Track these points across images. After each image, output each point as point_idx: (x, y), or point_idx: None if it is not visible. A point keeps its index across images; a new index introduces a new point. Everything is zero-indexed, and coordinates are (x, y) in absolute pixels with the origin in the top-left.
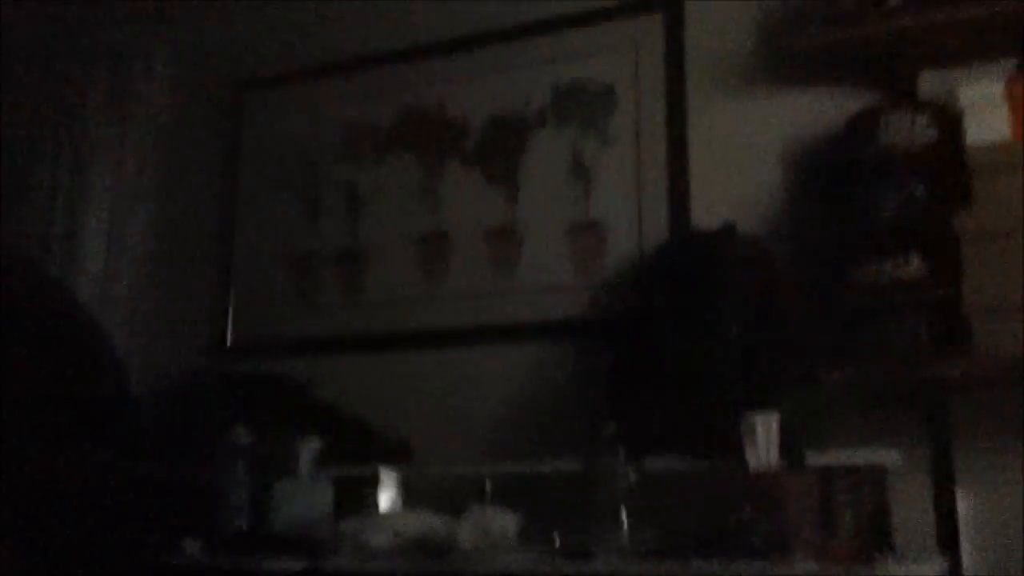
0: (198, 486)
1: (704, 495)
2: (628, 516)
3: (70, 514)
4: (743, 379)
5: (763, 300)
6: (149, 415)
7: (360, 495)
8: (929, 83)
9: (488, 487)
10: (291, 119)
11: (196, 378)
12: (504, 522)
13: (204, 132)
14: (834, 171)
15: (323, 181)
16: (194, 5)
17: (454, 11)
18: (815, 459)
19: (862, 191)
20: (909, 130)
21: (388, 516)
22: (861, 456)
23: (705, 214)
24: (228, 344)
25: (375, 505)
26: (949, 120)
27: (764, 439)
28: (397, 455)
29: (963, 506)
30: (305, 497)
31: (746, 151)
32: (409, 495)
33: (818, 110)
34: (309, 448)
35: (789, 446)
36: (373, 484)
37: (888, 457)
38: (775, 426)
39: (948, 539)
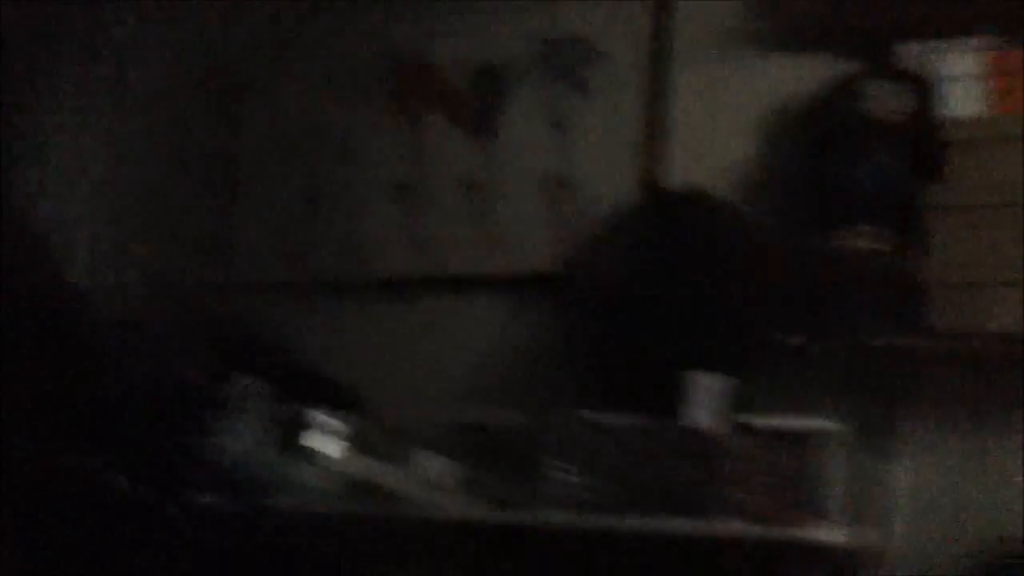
0: (141, 423)
1: (643, 452)
2: (568, 469)
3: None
4: (699, 340)
5: (728, 264)
6: (99, 352)
7: (305, 438)
8: (908, 54)
9: (434, 436)
10: (266, 56)
11: (144, 315)
12: (447, 470)
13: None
14: (811, 138)
15: (294, 119)
16: None
17: None
18: (761, 422)
19: (837, 159)
20: (887, 100)
21: (331, 459)
22: (803, 422)
23: (683, 174)
24: (184, 281)
25: (320, 448)
26: (926, 92)
27: (706, 400)
28: (347, 401)
29: (900, 478)
30: (248, 437)
31: (727, 113)
32: (356, 441)
33: (799, 76)
34: (255, 388)
35: (739, 408)
36: (318, 427)
37: (830, 424)
38: (718, 387)
39: (881, 509)
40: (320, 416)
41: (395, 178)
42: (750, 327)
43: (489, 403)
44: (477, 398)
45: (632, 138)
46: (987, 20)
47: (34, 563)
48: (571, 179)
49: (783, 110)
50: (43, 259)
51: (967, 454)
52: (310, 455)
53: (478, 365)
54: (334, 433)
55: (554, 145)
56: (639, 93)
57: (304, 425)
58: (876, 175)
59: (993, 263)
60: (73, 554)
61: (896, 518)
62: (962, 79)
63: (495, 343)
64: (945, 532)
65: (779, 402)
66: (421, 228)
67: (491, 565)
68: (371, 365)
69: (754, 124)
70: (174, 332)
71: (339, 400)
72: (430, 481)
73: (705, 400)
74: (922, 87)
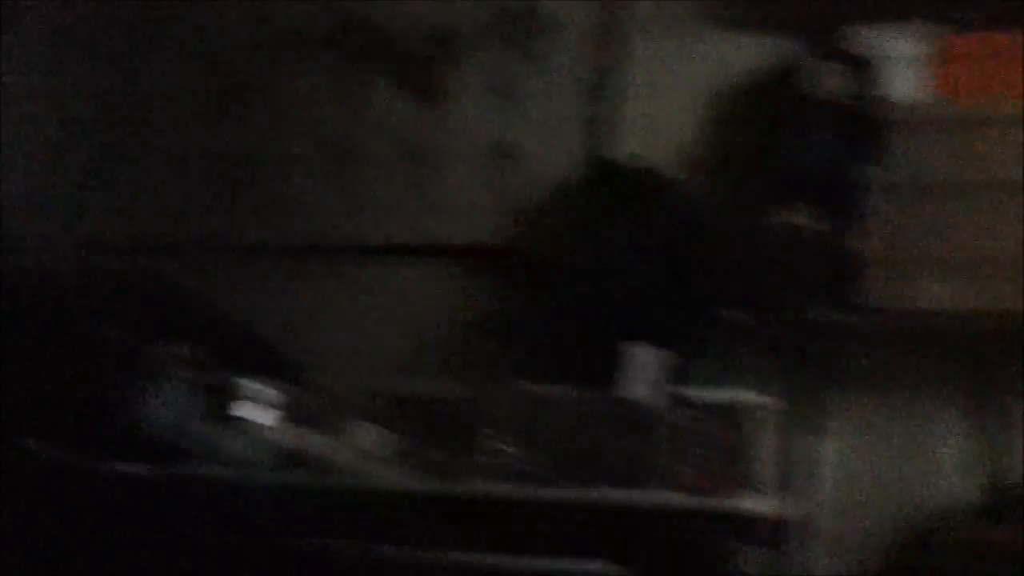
0: (65, 385)
1: (580, 424)
2: (505, 441)
3: None
4: (638, 313)
5: (669, 238)
6: (20, 309)
7: (236, 405)
8: (854, 36)
9: (371, 406)
10: (202, 10)
11: (70, 274)
12: (383, 441)
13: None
14: (755, 116)
15: (229, 75)
16: None
17: None
18: (696, 395)
19: (780, 138)
20: (831, 81)
21: (261, 428)
22: (737, 395)
23: (630, 147)
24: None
25: (250, 417)
26: (870, 74)
27: (643, 372)
28: (281, 369)
29: (829, 451)
30: (175, 404)
31: (676, 88)
32: (289, 410)
33: (748, 54)
34: (184, 353)
35: (674, 382)
36: (249, 396)
37: (763, 398)
38: (655, 360)
39: (811, 481)
40: (252, 384)
41: (336, 141)
42: (688, 301)
43: (427, 374)
44: (415, 369)
45: (581, 110)
46: (933, 5)
47: None
48: (518, 149)
49: (731, 87)
50: None
51: (896, 428)
52: (240, 424)
53: (417, 335)
54: (266, 402)
55: (502, 114)
56: (590, 65)
57: (234, 393)
58: (818, 154)
59: (928, 244)
60: None
61: (825, 491)
62: (906, 63)
63: (435, 313)
64: (872, 504)
65: (714, 375)
66: (361, 193)
67: (426, 536)
68: (307, 332)
69: (703, 100)
70: (96, 291)
71: (273, 368)
72: (365, 452)
73: (642, 373)
74: (866, 69)
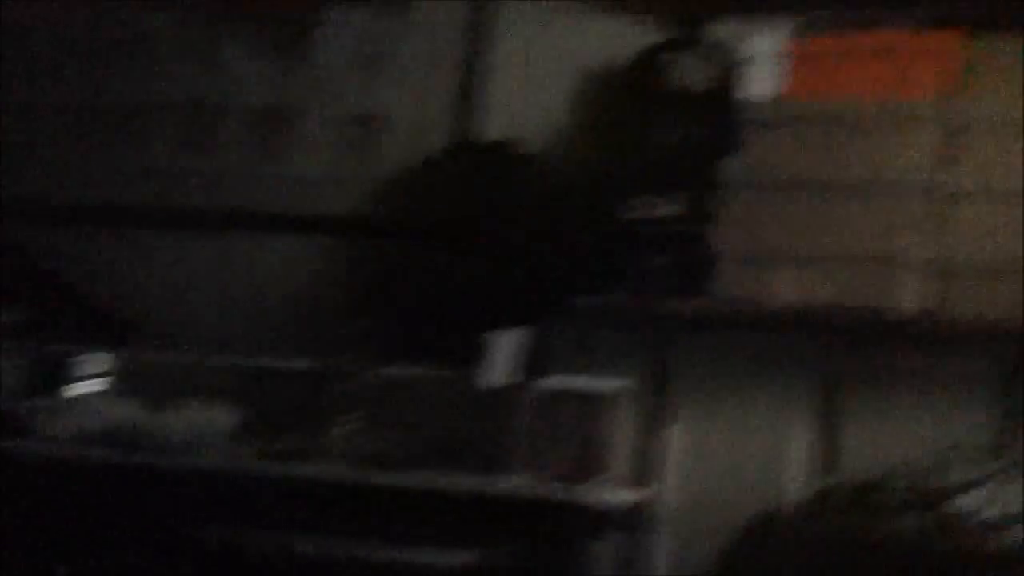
0: None
1: (434, 406)
2: (354, 421)
3: None
4: (497, 296)
5: (529, 221)
6: None
7: (59, 376)
8: (717, 30)
9: (209, 380)
10: None
11: None
12: (217, 417)
13: None
14: (618, 103)
15: (81, 31)
16: None
17: None
18: (551, 381)
19: (642, 126)
20: (691, 73)
21: (85, 400)
22: (592, 382)
23: (495, 125)
24: None
25: (80, 389)
26: (732, 69)
27: (499, 356)
28: (116, 338)
29: (681, 438)
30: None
31: (545, 68)
32: (122, 382)
33: (618, 40)
34: (10, 320)
35: (530, 367)
36: (81, 366)
37: (615, 385)
38: (512, 344)
39: (663, 468)
40: (84, 354)
41: (188, 100)
42: (545, 285)
43: (275, 348)
44: (263, 342)
45: (449, 84)
46: (793, 4)
47: None
48: (382, 120)
49: (596, 73)
50: None
51: (746, 419)
52: (69, 397)
53: (267, 307)
54: (98, 373)
55: (368, 82)
56: (459, 41)
57: (65, 363)
58: (675, 145)
59: (780, 239)
60: None
61: (676, 479)
62: (765, 59)
63: (286, 286)
64: (721, 493)
65: (570, 362)
66: (213, 157)
67: (261, 520)
68: (148, 301)
69: (569, 83)
70: None
71: (106, 337)
72: (197, 429)
73: (499, 357)
74: (727, 63)
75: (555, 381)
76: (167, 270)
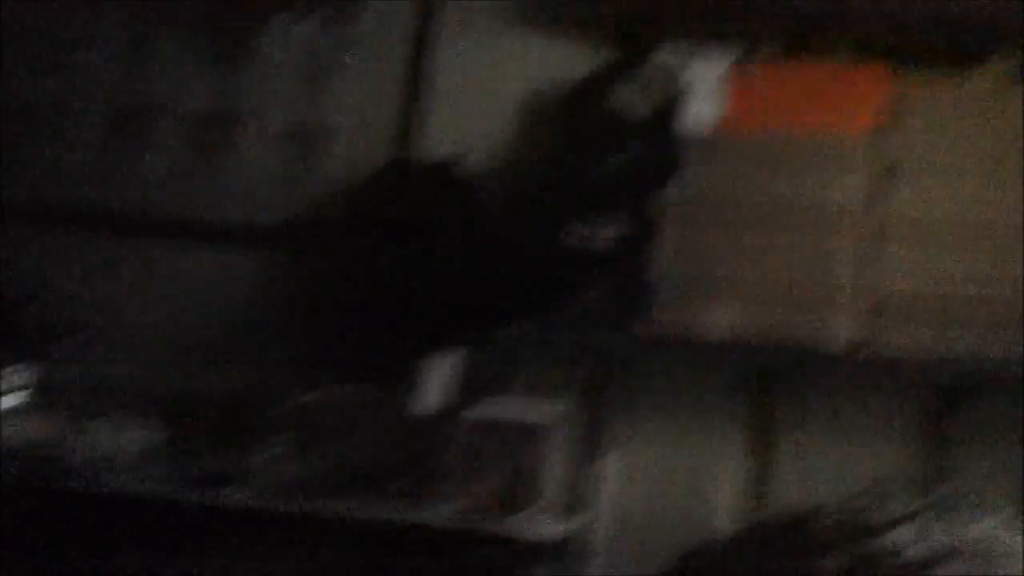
0: None
1: (361, 432)
2: (280, 445)
3: None
4: (430, 320)
5: (465, 244)
6: None
7: None
8: (661, 55)
9: (136, 398)
10: None
11: None
12: (133, 437)
13: None
14: (559, 127)
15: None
16: None
17: None
18: (482, 409)
19: (580, 151)
20: (633, 98)
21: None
22: (523, 411)
23: (435, 143)
24: None
25: None
26: (673, 96)
27: (432, 382)
28: (33, 348)
29: (612, 469)
30: None
31: (489, 87)
32: (40, 397)
33: (562, 62)
34: None
35: (463, 392)
36: None
37: (547, 414)
38: (445, 370)
39: (594, 500)
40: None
41: (117, 101)
42: (480, 309)
43: (203, 365)
44: (191, 359)
45: (391, 100)
46: (739, 33)
47: None
48: (323, 129)
49: (539, 95)
50: None
51: (677, 451)
52: None
53: (196, 322)
54: (14, 387)
55: (308, 90)
56: (403, 56)
57: None
58: (615, 171)
59: (716, 268)
60: None
61: (607, 511)
62: (706, 87)
63: (216, 299)
64: (651, 527)
65: (502, 389)
66: (144, 162)
67: (177, 547)
68: (72, 310)
69: (511, 104)
70: None
71: (20, 348)
72: (109, 450)
73: (431, 381)
74: (669, 90)
75: (487, 408)
76: (90, 278)
